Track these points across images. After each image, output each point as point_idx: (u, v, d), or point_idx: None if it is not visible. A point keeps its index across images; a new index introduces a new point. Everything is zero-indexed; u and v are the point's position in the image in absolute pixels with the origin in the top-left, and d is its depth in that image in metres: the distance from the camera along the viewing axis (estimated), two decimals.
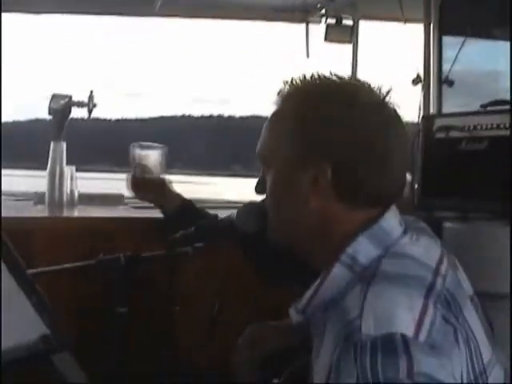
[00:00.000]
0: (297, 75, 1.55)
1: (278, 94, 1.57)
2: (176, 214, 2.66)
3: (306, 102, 1.50)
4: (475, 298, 1.51)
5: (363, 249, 1.39)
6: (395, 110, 1.52)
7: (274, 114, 1.58)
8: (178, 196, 2.71)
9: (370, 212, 1.45)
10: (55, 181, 3.33)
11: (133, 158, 2.64)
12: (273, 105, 1.58)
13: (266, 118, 1.59)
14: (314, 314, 1.43)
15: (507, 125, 2.56)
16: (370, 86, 1.52)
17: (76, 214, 3.30)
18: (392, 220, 1.46)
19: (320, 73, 1.54)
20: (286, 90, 1.56)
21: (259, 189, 1.64)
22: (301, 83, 1.54)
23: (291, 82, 1.55)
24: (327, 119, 1.45)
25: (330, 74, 1.54)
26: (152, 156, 2.64)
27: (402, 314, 1.22)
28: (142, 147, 2.64)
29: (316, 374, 1.38)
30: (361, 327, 1.22)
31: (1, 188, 3.44)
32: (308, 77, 1.54)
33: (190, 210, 2.69)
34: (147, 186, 2.67)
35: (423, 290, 1.28)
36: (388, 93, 1.51)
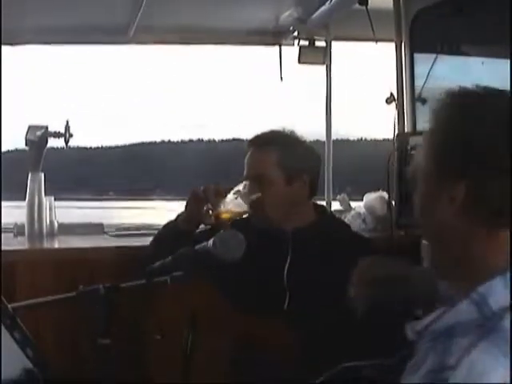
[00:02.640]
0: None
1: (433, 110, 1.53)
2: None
3: (449, 120, 1.45)
4: None
5: (496, 293, 1.33)
6: None
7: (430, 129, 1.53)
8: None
9: (506, 235, 1.38)
10: (34, 212, 3.32)
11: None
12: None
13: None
14: (424, 337, 1.43)
15: None
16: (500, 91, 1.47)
17: (56, 244, 3.29)
18: None
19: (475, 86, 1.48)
20: (439, 106, 1.50)
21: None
22: (450, 98, 1.48)
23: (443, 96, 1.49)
24: (469, 137, 1.39)
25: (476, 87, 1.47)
26: None
27: (494, 375, 1.21)
28: None
29: None
30: (448, 381, 1.25)
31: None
32: (459, 90, 1.49)
33: None
34: None
35: None
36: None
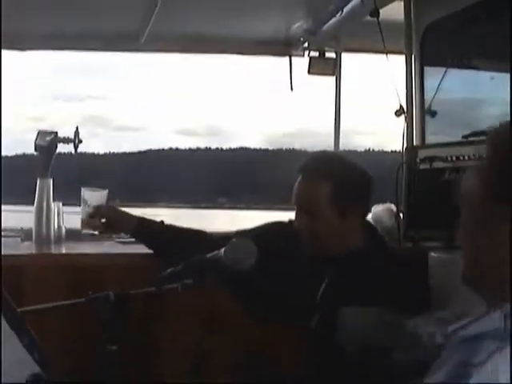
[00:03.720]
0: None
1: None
2: (134, 235, 2.85)
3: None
4: None
5: None
6: None
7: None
8: (133, 218, 2.85)
9: None
10: (42, 217, 3.32)
11: (83, 200, 2.94)
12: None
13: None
14: (451, 340, 1.45)
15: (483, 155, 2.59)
16: None
17: (63, 250, 3.29)
18: None
19: None
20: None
21: None
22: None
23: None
24: None
25: None
26: (97, 197, 2.95)
27: None
28: (89, 190, 2.97)
29: None
30: (472, 376, 1.29)
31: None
32: None
33: (146, 228, 2.83)
34: (102, 214, 2.88)
35: None
36: None
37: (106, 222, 2.88)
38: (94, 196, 2.95)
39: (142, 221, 2.84)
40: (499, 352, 1.30)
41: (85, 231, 3.01)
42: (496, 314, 1.39)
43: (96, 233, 3.01)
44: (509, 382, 1.26)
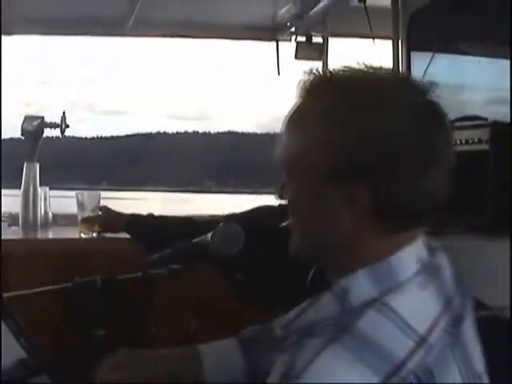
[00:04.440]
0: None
1: (300, 85, 1.34)
2: (127, 230, 2.88)
3: (338, 102, 1.27)
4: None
5: (358, 288, 1.24)
6: (442, 113, 1.31)
7: (298, 112, 1.34)
8: (124, 215, 2.92)
9: (400, 237, 1.28)
10: (29, 202, 3.32)
11: (79, 203, 3.04)
12: (297, 99, 1.35)
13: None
14: (291, 334, 1.32)
15: (476, 140, 2.60)
16: (413, 82, 1.32)
17: (50, 235, 3.30)
18: (408, 257, 1.27)
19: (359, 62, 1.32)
20: (312, 82, 1.33)
21: (282, 194, 1.40)
22: (329, 76, 1.33)
23: (317, 72, 1.34)
24: (364, 124, 1.23)
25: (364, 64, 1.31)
26: (92, 199, 3.05)
27: None
28: (84, 193, 3.09)
29: None
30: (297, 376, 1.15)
31: None
32: (338, 69, 1.32)
33: (137, 223, 2.87)
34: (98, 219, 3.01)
35: (382, 373, 1.12)
36: (433, 88, 1.30)
37: (102, 223, 3.00)
38: (89, 199, 3.04)
39: (133, 216, 2.89)
40: (324, 350, 1.15)
41: (83, 235, 3.02)
42: (325, 299, 1.28)
43: (94, 234, 3.02)
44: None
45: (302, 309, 1.33)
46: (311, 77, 1.33)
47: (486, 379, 1.31)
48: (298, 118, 1.33)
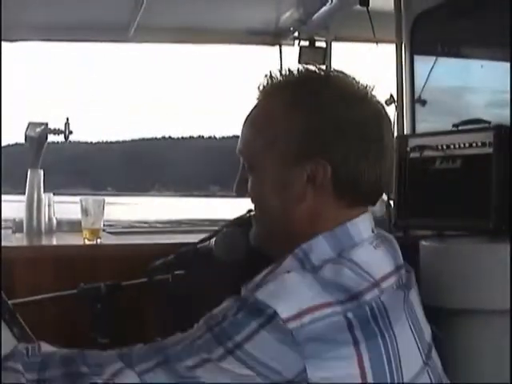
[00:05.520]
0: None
1: (261, 88, 1.53)
2: None
3: (299, 95, 1.47)
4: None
5: (318, 248, 1.40)
6: (382, 104, 1.55)
7: (261, 109, 1.53)
8: None
9: (353, 210, 1.47)
10: (33, 209, 3.32)
11: (83, 209, 3.01)
12: (256, 99, 1.54)
13: None
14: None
15: (479, 143, 2.60)
16: (354, 78, 1.53)
17: (55, 241, 3.29)
18: (362, 224, 1.47)
19: (303, 66, 1.54)
20: (272, 83, 1.52)
21: (240, 189, 1.58)
22: (285, 77, 1.51)
23: (274, 75, 1.52)
24: (322, 111, 1.43)
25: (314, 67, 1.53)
26: (96, 205, 3.02)
27: (292, 299, 1.26)
28: (88, 199, 3.04)
29: None
30: (257, 291, 1.30)
31: None
32: (291, 70, 1.51)
33: None
34: None
35: (339, 296, 1.29)
36: (373, 87, 1.54)
37: None
38: (93, 204, 3.02)
39: None
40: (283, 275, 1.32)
41: (88, 241, 3.02)
42: (287, 261, 1.42)
43: (98, 241, 3.02)
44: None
45: (263, 275, 1.45)
46: (269, 80, 1.52)
47: (435, 352, 1.51)
48: (261, 115, 1.52)
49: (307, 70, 1.53)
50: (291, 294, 1.27)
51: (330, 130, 1.42)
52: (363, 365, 1.27)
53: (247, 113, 1.56)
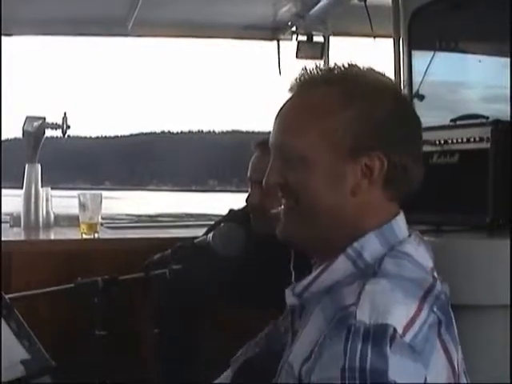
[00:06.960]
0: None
1: (299, 80, 1.49)
2: None
3: (359, 88, 1.43)
4: None
5: (370, 246, 1.39)
6: None
7: (318, 98, 1.45)
8: None
9: (392, 206, 1.48)
10: (31, 203, 3.33)
11: (81, 204, 3.08)
12: (292, 91, 1.50)
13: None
14: (307, 300, 1.43)
15: (477, 138, 2.59)
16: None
17: (52, 236, 3.30)
18: (401, 221, 1.47)
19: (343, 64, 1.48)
20: (321, 75, 1.48)
21: (273, 181, 1.48)
22: (341, 69, 1.47)
23: (323, 69, 1.49)
24: (382, 106, 1.42)
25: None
26: (94, 200, 3.08)
27: (398, 308, 1.24)
28: (86, 194, 3.11)
29: (295, 352, 1.39)
30: (356, 313, 1.23)
31: None
32: (335, 66, 1.48)
33: None
34: None
35: (420, 293, 1.31)
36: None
37: None
38: (91, 199, 3.06)
39: None
40: (363, 289, 1.29)
41: (85, 235, 3.02)
42: (339, 262, 1.39)
43: (96, 235, 3.02)
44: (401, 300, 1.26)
45: (314, 276, 1.42)
46: (311, 72, 1.48)
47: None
48: (319, 104, 1.44)
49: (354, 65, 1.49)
50: (393, 305, 1.25)
51: (389, 125, 1.41)
52: (450, 355, 1.31)
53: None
